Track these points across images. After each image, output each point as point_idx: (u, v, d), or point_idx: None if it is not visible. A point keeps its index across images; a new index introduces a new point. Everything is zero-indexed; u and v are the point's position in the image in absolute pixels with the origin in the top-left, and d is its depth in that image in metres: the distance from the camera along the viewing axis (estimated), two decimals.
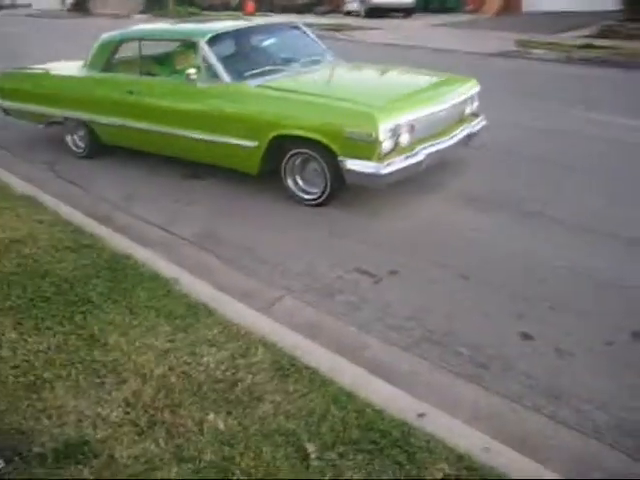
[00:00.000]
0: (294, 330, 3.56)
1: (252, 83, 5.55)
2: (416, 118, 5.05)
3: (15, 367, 3.06)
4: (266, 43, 6.60)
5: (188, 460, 2.45)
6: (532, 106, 9.01)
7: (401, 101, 5.24)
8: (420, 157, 5.09)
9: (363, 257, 4.56)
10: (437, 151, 5.28)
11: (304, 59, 6.32)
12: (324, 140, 4.95)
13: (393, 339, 3.63)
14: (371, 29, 19.02)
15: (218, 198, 5.78)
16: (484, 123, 6.07)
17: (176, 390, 2.89)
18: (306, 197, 5.37)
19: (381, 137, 4.74)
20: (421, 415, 2.77)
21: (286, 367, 3.08)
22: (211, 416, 2.71)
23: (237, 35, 6.32)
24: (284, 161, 5.31)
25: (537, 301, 3.91)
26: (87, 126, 6.79)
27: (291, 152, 5.25)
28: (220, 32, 5.95)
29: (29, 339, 3.28)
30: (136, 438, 2.58)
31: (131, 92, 6.20)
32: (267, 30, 6.80)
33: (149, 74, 6.43)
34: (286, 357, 3.16)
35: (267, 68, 5.81)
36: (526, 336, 3.61)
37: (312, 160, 5.20)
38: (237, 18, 8.24)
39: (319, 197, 5.29)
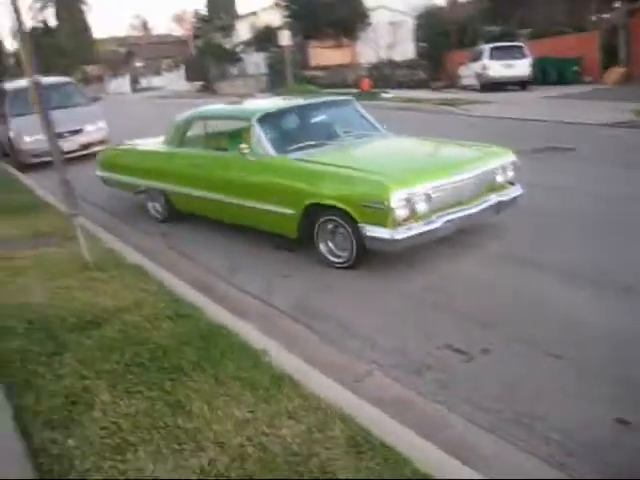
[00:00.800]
0: (378, 406, 3.52)
1: (292, 156, 6.16)
2: (432, 188, 5.39)
3: (103, 428, 3.22)
4: (315, 120, 7.23)
5: None
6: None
7: (418, 171, 5.61)
8: (437, 224, 5.43)
9: (455, 333, 4.47)
10: (457, 218, 5.59)
11: (349, 134, 6.98)
12: (346, 208, 5.41)
13: (479, 420, 3.50)
14: (485, 103, 19.00)
15: (311, 271, 5.88)
16: (519, 192, 6.33)
17: (251, 461, 2.92)
18: (336, 260, 5.82)
19: (393, 205, 5.13)
20: None
21: (361, 443, 3.04)
22: None
23: (286, 113, 7.05)
24: (316, 227, 5.81)
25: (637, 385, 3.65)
26: (165, 195, 7.68)
27: (322, 219, 5.73)
28: (269, 111, 6.70)
29: (120, 402, 3.45)
30: None
31: (196, 165, 7.06)
32: (317, 107, 7.39)
33: (212, 149, 7.16)
34: (363, 433, 3.11)
35: (310, 143, 6.42)
36: (622, 422, 3.36)
37: (340, 226, 5.63)
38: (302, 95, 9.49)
39: (347, 260, 5.72)
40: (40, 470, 2.96)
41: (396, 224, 5.21)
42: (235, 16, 46.41)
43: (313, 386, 3.61)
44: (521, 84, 22.92)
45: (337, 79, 29.70)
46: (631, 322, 4.43)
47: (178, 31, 57.83)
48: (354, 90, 24.73)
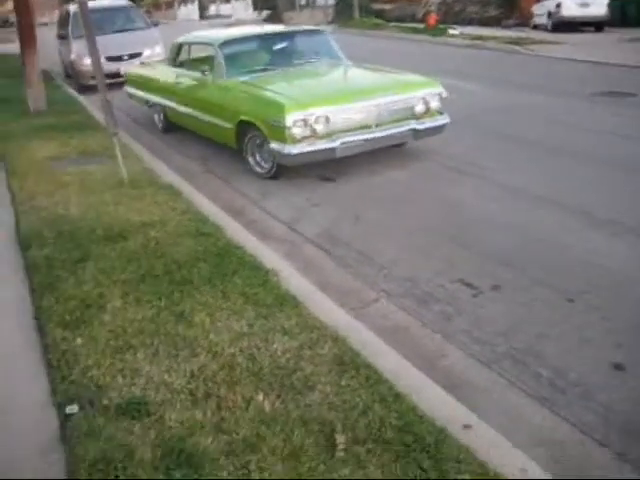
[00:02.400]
0: (376, 331, 3.62)
1: (238, 79, 6.97)
2: (331, 111, 6.10)
3: (110, 331, 3.44)
4: (276, 47, 7.85)
5: (225, 432, 2.63)
6: None
7: (320, 96, 6.33)
8: (334, 144, 6.11)
9: (471, 268, 4.49)
10: (357, 140, 6.24)
11: (302, 61, 7.64)
12: (259, 125, 6.30)
13: (475, 352, 3.57)
14: (554, 43, 18.13)
15: (343, 201, 5.95)
16: (444, 121, 6.84)
17: (238, 369, 3.08)
18: (260, 171, 6.67)
19: (288, 124, 5.90)
20: (467, 426, 2.72)
21: (347, 362, 3.15)
22: (260, 397, 2.86)
23: (247, 40, 7.97)
24: (246, 140, 6.67)
25: None
26: (162, 108, 8.70)
27: (250, 134, 6.57)
28: (230, 38, 7.61)
29: (129, 308, 3.66)
30: (188, 405, 2.81)
31: (179, 83, 8.01)
32: (282, 36, 8.15)
33: (191, 70, 7.90)
34: (351, 353, 3.23)
35: (260, 68, 7.29)
36: (618, 367, 3.37)
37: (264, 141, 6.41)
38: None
39: (269, 171, 6.57)
40: (49, 365, 3.20)
41: (294, 141, 5.99)
42: None
43: (314, 308, 3.73)
44: (596, 25, 21.71)
45: (405, 13, 28.83)
46: None
47: None
48: (420, 25, 24.07)
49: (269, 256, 4.50)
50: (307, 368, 3.10)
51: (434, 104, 6.79)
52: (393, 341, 3.55)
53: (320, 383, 2.98)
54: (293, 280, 4.14)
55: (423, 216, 5.49)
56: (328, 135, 6.12)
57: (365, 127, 6.32)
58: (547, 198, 5.67)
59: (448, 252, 4.78)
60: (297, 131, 5.98)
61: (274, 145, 6.16)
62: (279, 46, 7.89)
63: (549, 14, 21.89)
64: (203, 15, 48.08)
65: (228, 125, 6.80)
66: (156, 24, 15.29)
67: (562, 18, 21.29)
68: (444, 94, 6.85)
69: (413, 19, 27.34)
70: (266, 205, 5.94)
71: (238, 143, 6.82)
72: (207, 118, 7.26)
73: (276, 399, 2.86)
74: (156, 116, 9.11)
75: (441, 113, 6.92)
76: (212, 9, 50.88)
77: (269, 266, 4.23)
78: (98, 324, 3.50)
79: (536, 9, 23.41)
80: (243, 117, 6.50)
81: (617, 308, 3.90)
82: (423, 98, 6.69)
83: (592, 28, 21.76)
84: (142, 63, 10.66)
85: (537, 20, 23.33)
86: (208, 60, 7.60)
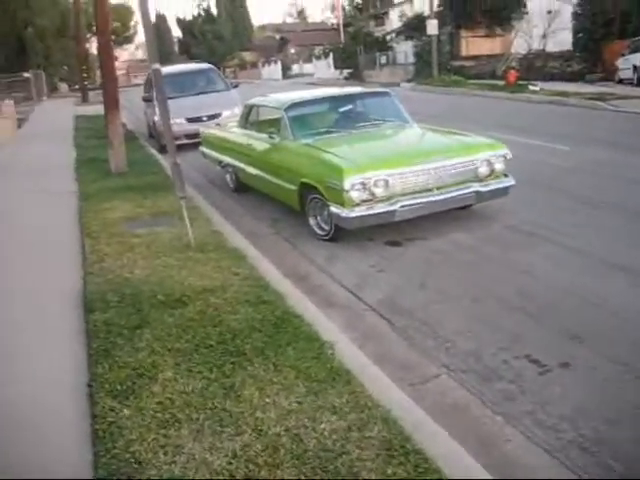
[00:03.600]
0: (431, 412, 3.45)
1: (303, 142, 7.05)
2: (390, 175, 6.07)
3: (158, 403, 3.41)
4: (341, 109, 7.98)
5: None
6: None
7: (380, 159, 6.28)
8: (393, 207, 6.08)
9: (539, 342, 4.26)
10: (416, 203, 6.18)
11: (366, 123, 7.64)
12: (318, 186, 6.33)
13: (539, 439, 3.32)
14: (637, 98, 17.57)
15: (408, 267, 5.82)
16: (508, 184, 6.73)
17: (282, 451, 2.97)
18: (321, 233, 6.68)
19: (347, 187, 5.91)
20: None
21: (396, 448, 2.99)
22: None
23: (314, 103, 8.06)
24: (307, 202, 6.70)
25: None
26: (233, 169, 8.93)
27: (311, 196, 6.58)
28: (296, 101, 7.71)
29: (180, 380, 3.63)
30: None
31: (249, 145, 8.16)
32: (347, 98, 8.30)
33: (261, 132, 8.00)
34: (400, 437, 3.06)
35: (325, 130, 7.35)
36: None
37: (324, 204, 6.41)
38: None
39: (327, 233, 6.56)
40: (95, 435, 3.19)
41: (352, 204, 5.99)
42: (389, 3, 46.18)
43: (369, 384, 3.60)
44: None
45: (485, 70, 28.75)
46: None
47: (332, 19, 58.53)
48: (500, 82, 23.90)
49: (327, 325, 4.42)
50: (353, 452, 2.96)
51: (498, 166, 6.66)
52: (450, 422, 3.38)
53: (365, 469, 2.83)
54: (348, 352, 4.03)
55: (490, 283, 5.28)
56: (388, 198, 6.10)
57: (425, 190, 6.26)
58: (624, 266, 5.35)
59: (515, 324, 4.56)
60: (355, 194, 5.97)
61: (333, 208, 6.16)
62: (344, 108, 7.99)
63: (635, 68, 21.29)
64: (286, 74, 49.66)
65: (291, 187, 6.89)
66: (236, 86, 15.80)
67: None
68: (509, 156, 6.72)
69: (493, 76, 27.18)
70: (331, 270, 5.88)
71: (300, 205, 6.88)
72: (273, 180, 7.38)
73: None
74: (228, 176, 9.39)
75: (506, 175, 6.80)
76: (295, 68, 52.49)
77: (325, 337, 4.13)
78: (147, 395, 3.48)
79: (620, 63, 22.84)
80: (304, 179, 6.56)
81: None
82: (487, 160, 6.59)
83: None
84: (217, 124, 10.94)
85: (622, 74, 22.72)
86: (275, 123, 7.76)
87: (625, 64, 22.38)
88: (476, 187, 6.48)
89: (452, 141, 6.97)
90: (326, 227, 6.57)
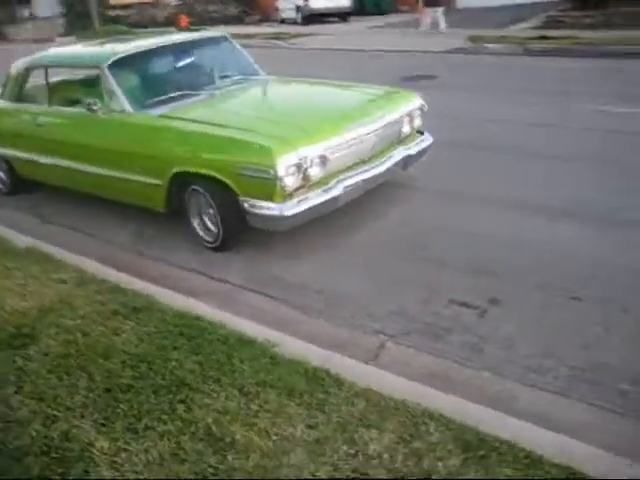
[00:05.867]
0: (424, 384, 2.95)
1: (155, 112, 4.91)
2: (329, 147, 4.35)
3: None
4: (182, 63, 5.86)
5: None
6: (533, 101, 8.65)
7: (311, 128, 4.48)
8: (335, 192, 4.43)
9: (455, 287, 3.96)
10: (360, 181, 4.65)
11: (223, 80, 5.77)
12: (220, 177, 4.30)
13: (542, 384, 3.04)
14: (313, 35, 18.48)
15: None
16: (429, 142, 5.45)
17: None
18: (208, 239, 4.71)
19: (281, 173, 4.05)
20: None
21: (475, 444, 2.43)
22: None
23: (146, 57, 5.53)
24: (186, 198, 4.69)
25: None
26: (6, 161, 6.30)
27: (189, 188, 4.61)
28: (125, 55, 5.23)
29: (129, 447, 2.50)
30: None
31: (40, 125, 5.65)
32: (184, 47, 5.94)
33: (58, 104, 5.73)
34: (467, 430, 2.51)
35: (176, 94, 5.16)
36: None
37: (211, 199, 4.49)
38: (164, 34, 6.97)
39: (215, 240, 4.65)
40: None
41: (285, 196, 4.19)
42: None
43: (357, 379, 2.92)
44: (342, 15, 22.65)
45: (145, 18, 27.37)
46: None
47: None
48: (170, 28, 22.95)
49: (242, 323, 3.51)
50: (438, 466, 2.33)
51: (417, 122, 5.38)
52: (449, 392, 2.91)
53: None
54: (293, 346, 3.25)
55: (378, 238, 4.84)
56: (323, 181, 4.41)
57: (361, 163, 4.73)
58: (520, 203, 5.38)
59: (421, 274, 4.20)
60: (290, 181, 4.15)
61: (252, 206, 4.28)
62: (185, 62, 5.87)
63: (298, 8, 22.29)
64: None
65: (153, 181, 4.71)
66: None
67: (311, 10, 21.83)
68: (425, 107, 5.43)
69: (155, 23, 26.02)
70: (152, 251, 4.81)
71: (168, 204, 4.79)
72: (101, 171, 5.10)
73: None
74: None
75: (422, 132, 5.56)
76: None
77: (256, 337, 3.28)
78: None
79: (281, 4, 23.73)
80: (182, 168, 4.51)
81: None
82: (409, 115, 5.22)
83: (337, 19, 22.65)
84: None
85: (284, 14, 23.66)
86: (86, 89, 5.66)
87: (287, 4, 23.29)
88: (403, 151, 5.15)
89: (367, 95, 5.46)
90: (214, 229, 4.64)
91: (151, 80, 5.52)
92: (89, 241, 5.11)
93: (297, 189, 4.23)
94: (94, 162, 5.12)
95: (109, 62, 5.06)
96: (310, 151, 4.21)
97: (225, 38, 6.31)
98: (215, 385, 2.85)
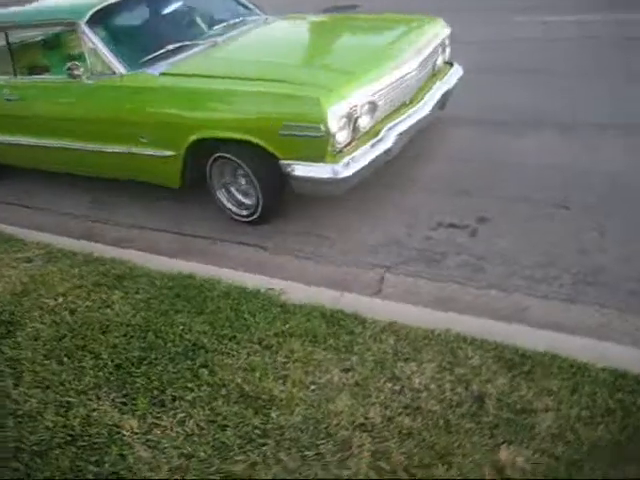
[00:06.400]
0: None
1: (154, 71, 4.03)
2: (378, 91, 3.70)
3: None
4: (166, 10, 4.94)
5: None
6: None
7: (354, 71, 3.73)
8: (388, 143, 3.75)
9: (439, 210, 3.88)
10: (408, 127, 3.97)
11: (219, 23, 4.83)
12: (256, 140, 3.58)
13: (550, 293, 3.03)
14: None
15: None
16: (460, 73, 4.80)
17: (438, 439, 2.11)
18: (242, 212, 4.04)
19: (333, 128, 3.37)
20: None
21: (516, 360, 2.40)
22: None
23: (127, 5, 4.58)
24: (209, 169, 3.97)
25: None
26: None
27: (217, 156, 3.89)
28: (103, 5, 4.30)
29: (160, 422, 2.33)
30: None
31: (8, 99, 4.70)
32: None
33: (23, 73, 4.80)
34: (504, 349, 2.47)
35: (170, 47, 4.22)
36: None
37: (239, 166, 3.85)
38: None
39: (252, 213, 3.98)
40: None
41: (337, 155, 3.52)
42: None
43: (380, 315, 2.82)
44: None
45: None
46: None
47: None
48: None
49: (238, 276, 3.34)
50: (489, 389, 2.27)
51: (448, 51, 4.77)
52: (465, 314, 2.86)
53: (530, 401, 2.19)
54: (295, 292, 3.11)
55: None
56: (372, 132, 3.74)
57: (403, 106, 4.05)
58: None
59: (401, 199, 4.11)
60: (342, 137, 3.49)
61: (298, 169, 3.57)
62: (171, 8, 4.92)
63: None
64: None
65: (161, 152, 3.96)
66: None
67: None
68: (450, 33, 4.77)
69: None
70: (117, 216, 4.51)
71: (183, 177, 4.06)
72: (93, 147, 4.30)
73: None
74: None
75: (451, 64, 4.88)
76: None
77: (254, 286, 3.14)
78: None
79: None
80: (200, 135, 3.75)
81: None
82: (442, 45, 4.60)
83: None
84: None
85: None
86: (55, 51, 4.82)
87: None
88: (442, 86, 4.47)
89: (397, 28, 4.59)
90: (249, 201, 3.99)
91: (139, 33, 4.62)
92: (47, 216, 4.72)
93: (347, 144, 3.58)
94: (83, 137, 4.32)
95: (87, 16, 4.14)
96: (359, 97, 3.54)
97: None
98: (232, 343, 2.69)
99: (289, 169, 3.57)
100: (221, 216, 4.10)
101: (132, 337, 2.81)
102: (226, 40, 4.49)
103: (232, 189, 4.02)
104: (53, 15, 4.55)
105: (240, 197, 4.02)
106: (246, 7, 5.20)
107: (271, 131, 3.49)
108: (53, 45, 5.02)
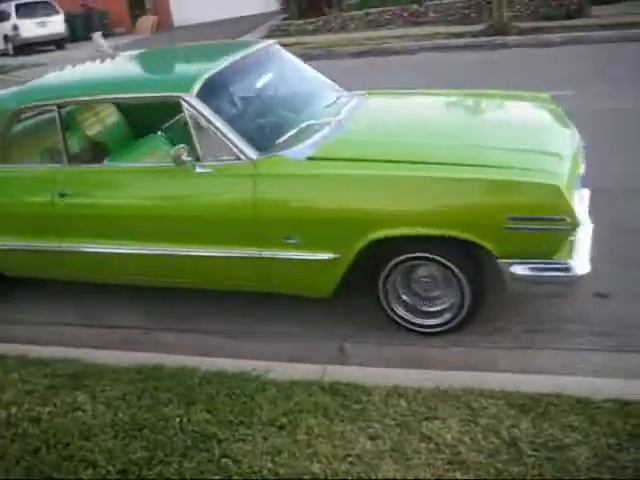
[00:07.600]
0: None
1: (297, 155, 3.31)
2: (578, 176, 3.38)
3: None
4: (263, 82, 4.18)
5: None
6: None
7: (559, 157, 3.25)
8: (588, 225, 3.31)
9: None
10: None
11: (318, 100, 4.09)
12: (472, 237, 3.00)
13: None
14: (35, 66, 16.99)
15: None
16: None
17: None
18: (430, 322, 3.34)
19: (578, 218, 2.94)
20: None
21: (528, 404, 2.56)
22: None
23: (232, 76, 3.85)
24: (385, 273, 3.24)
25: None
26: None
27: (397, 259, 3.19)
28: (213, 74, 3.54)
29: None
30: None
31: (62, 194, 3.63)
32: (252, 62, 4.04)
33: (85, 161, 3.92)
34: (511, 395, 2.62)
35: (305, 124, 3.54)
36: None
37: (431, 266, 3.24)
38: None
39: (452, 319, 3.28)
40: None
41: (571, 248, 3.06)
42: None
43: (377, 380, 2.85)
44: (57, 43, 21.27)
45: None
46: None
47: None
48: None
49: (223, 362, 3.18)
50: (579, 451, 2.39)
51: None
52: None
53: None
54: (277, 370, 3.05)
55: None
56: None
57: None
58: None
59: None
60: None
61: (526, 268, 3.00)
62: (266, 80, 4.17)
63: (6, 37, 20.40)
64: None
65: (317, 256, 3.21)
66: None
67: (23, 40, 20.15)
68: None
69: None
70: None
71: (339, 285, 3.30)
72: (204, 251, 3.42)
73: None
74: None
75: None
76: None
77: (245, 369, 3.03)
78: None
79: None
80: (382, 233, 3.06)
81: None
82: None
83: (54, 46, 21.23)
84: None
85: None
86: (118, 132, 4.11)
87: None
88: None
89: (543, 109, 4.05)
90: (448, 310, 3.29)
91: (256, 109, 3.90)
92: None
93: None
94: (183, 240, 3.45)
95: (196, 88, 3.35)
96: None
97: (274, 46, 4.44)
98: (243, 428, 2.56)
99: (510, 268, 3.01)
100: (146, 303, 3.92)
101: (125, 437, 2.57)
102: (357, 118, 3.81)
103: (405, 297, 3.35)
104: (140, 89, 3.68)
105: (419, 303, 3.36)
106: (325, 82, 4.48)
107: (492, 225, 2.96)
108: (113, 124, 4.35)
